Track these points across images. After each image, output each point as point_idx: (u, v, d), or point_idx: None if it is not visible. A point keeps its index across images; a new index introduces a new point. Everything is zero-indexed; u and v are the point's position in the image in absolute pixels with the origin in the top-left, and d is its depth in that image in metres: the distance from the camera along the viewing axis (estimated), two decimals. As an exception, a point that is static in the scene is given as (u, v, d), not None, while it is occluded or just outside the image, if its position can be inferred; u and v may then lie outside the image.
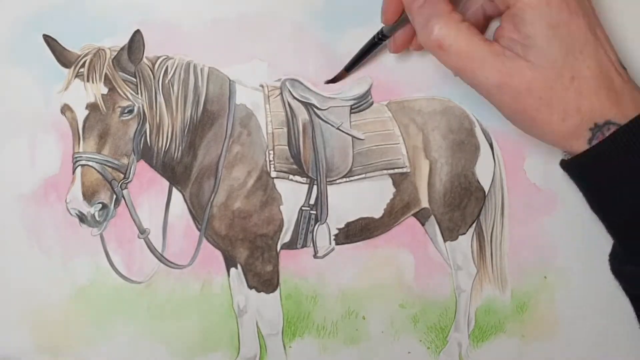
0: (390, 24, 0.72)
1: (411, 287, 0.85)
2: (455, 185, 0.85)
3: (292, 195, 0.81)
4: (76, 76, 0.75)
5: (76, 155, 0.75)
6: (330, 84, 0.82)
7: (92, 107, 0.75)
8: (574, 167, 0.66)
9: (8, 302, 0.81)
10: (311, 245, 0.83)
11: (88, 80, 0.75)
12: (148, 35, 0.76)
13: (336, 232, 0.83)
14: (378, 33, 0.75)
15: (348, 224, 0.83)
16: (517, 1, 0.60)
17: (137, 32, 0.75)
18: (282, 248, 0.83)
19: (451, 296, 0.86)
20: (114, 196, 0.75)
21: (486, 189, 0.86)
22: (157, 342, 0.84)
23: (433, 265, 0.85)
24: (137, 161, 0.78)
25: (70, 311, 0.81)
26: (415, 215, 0.86)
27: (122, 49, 0.76)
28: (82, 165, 0.74)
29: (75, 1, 0.78)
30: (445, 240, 0.86)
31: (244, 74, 0.81)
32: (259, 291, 0.82)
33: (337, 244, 0.84)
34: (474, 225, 0.87)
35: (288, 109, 0.81)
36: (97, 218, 0.75)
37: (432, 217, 0.86)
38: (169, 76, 0.78)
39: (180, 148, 0.79)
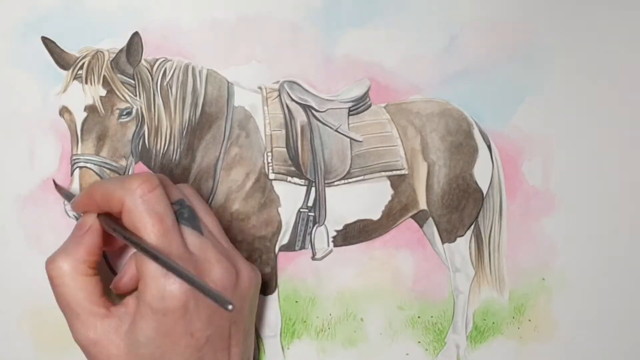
0: None
1: (409, 288, 0.85)
2: (453, 187, 0.85)
3: (290, 197, 0.81)
4: (74, 78, 0.75)
5: (74, 157, 0.75)
6: (330, 86, 0.82)
7: (91, 109, 0.75)
8: None
9: (8, 302, 0.81)
10: (309, 247, 0.83)
11: (86, 83, 0.75)
12: (146, 37, 0.76)
13: (334, 234, 0.83)
14: None
15: (346, 226, 0.83)
16: (143, 294, 0.60)
17: (136, 34, 0.75)
18: (280, 250, 0.83)
19: (449, 298, 0.86)
20: (113, 198, 0.75)
21: (484, 191, 0.86)
22: (155, 343, 0.84)
23: (431, 267, 0.85)
24: (136, 163, 0.78)
25: (69, 312, 0.81)
26: (413, 217, 0.86)
27: (120, 51, 0.75)
28: (80, 167, 0.74)
29: (74, 3, 0.77)
30: (443, 242, 0.86)
31: (243, 76, 0.81)
32: (257, 293, 0.82)
33: (335, 245, 0.84)
34: (472, 227, 0.87)
35: (286, 111, 0.81)
36: (96, 220, 0.74)
37: (430, 219, 0.86)
38: (167, 78, 0.78)
39: (178, 150, 0.79)
